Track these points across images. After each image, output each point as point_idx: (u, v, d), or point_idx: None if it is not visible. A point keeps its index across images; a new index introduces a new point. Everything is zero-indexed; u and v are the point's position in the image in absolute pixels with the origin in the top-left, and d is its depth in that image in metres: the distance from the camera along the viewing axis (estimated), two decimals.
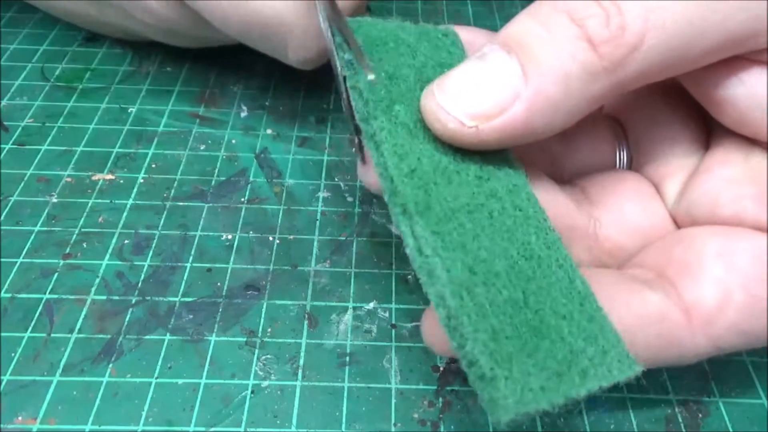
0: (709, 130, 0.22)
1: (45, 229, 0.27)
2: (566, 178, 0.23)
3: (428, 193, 0.18)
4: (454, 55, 0.21)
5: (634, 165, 0.23)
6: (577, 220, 0.21)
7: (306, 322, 0.24)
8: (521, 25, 0.18)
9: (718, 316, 0.18)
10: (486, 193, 0.18)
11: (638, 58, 0.17)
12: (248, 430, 0.21)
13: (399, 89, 0.19)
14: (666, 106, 0.23)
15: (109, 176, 0.29)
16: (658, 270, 0.20)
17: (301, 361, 0.23)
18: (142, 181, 0.29)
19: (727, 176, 0.20)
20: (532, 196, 0.19)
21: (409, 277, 0.26)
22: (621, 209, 0.22)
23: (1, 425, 0.20)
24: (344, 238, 0.27)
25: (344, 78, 0.19)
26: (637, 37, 0.17)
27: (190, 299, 0.24)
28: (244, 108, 0.33)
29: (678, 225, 0.22)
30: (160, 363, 0.22)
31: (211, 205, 0.28)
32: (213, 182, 0.29)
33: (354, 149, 0.20)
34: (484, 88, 0.17)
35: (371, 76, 0.19)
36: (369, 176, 0.20)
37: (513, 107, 0.17)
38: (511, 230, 0.18)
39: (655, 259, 0.20)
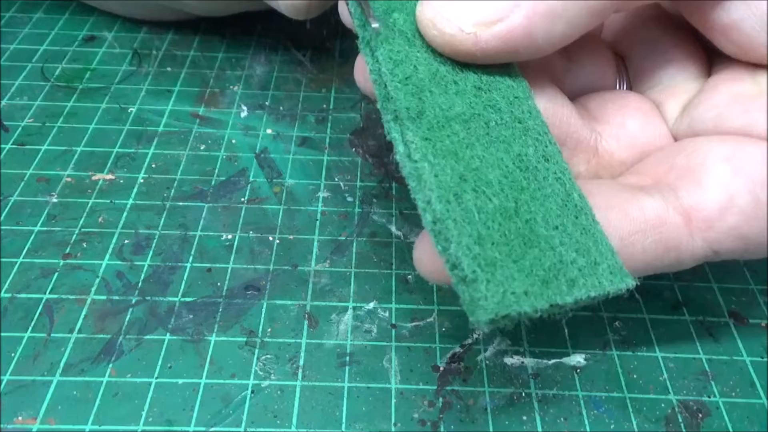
0: (711, 61, 0.22)
1: (45, 229, 0.27)
2: (568, 98, 0.23)
3: (422, 100, 0.18)
4: None
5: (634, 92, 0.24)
6: (579, 131, 0.21)
7: (306, 322, 0.24)
8: None
9: (719, 219, 0.18)
10: (484, 103, 0.18)
11: None
12: (248, 430, 0.21)
13: None
14: (667, 37, 0.23)
15: (109, 176, 0.29)
16: (656, 177, 0.20)
17: (301, 361, 0.23)
18: (142, 181, 0.29)
19: (734, 92, 0.20)
20: (534, 109, 0.19)
21: (409, 277, 0.26)
22: (623, 123, 0.22)
23: (1, 425, 0.20)
24: (344, 238, 0.27)
25: None
26: None
27: (190, 299, 0.24)
28: (244, 108, 0.33)
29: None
30: (160, 363, 0.22)
31: (211, 205, 0.28)
32: (213, 182, 0.29)
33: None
34: None
35: None
36: (362, 77, 0.20)
37: (513, 14, 0.18)
38: (508, 141, 0.18)
39: (654, 167, 0.20)
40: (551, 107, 0.20)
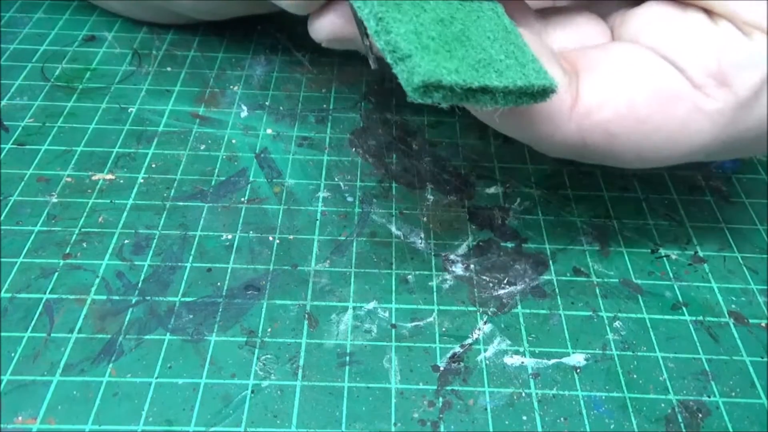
0: None
1: (45, 229, 0.27)
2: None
3: None
4: None
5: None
6: (529, 17, 0.24)
7: (306, 322, 0.24)
8: None
9: (595, 111, 0.21)
10: None
11: None
12: (248, 430, 0.21)
13: None
14: None
15: (109, 176, 0.29)
16: (573, 62, 0.22)
17: (301, 361, 0.23)
18: (142, 181, 0.29)
19: (658, 12, 0.22)
20: None
21: (409, 277, 0.26)
22: (573, 21, 0.24)
23: (1, 425, 0.20)
24: (344, 238, 0.27)
25: None
26: None
27: (190, 299, 0.24)
28: (244, 108, 0.33)
29: None
30: (160, 363, 0.22)
31: (211, 205, 0.28)
32: (213, 182, 0.29)
33: None
34: None
35: None
36: None
37: None
38: None
39: (576, 57, 0.22)
40: None
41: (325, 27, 0.23)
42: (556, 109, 0.21)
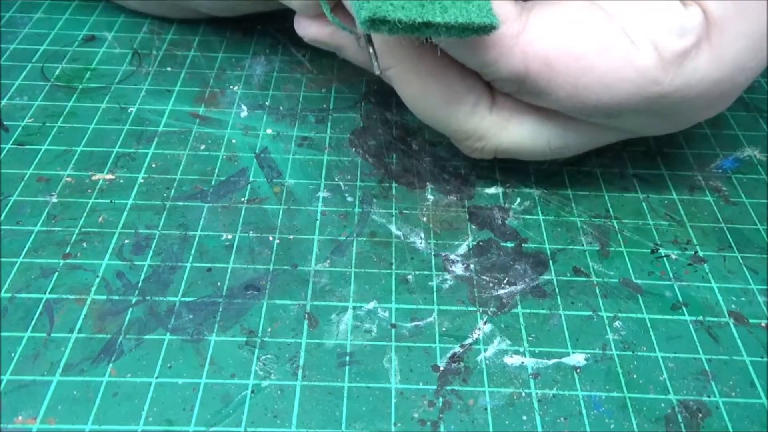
0: None
1: (45, 229, 0.27)
2: None
3: None
4: None
5: None
6: None
7: (306, 322, 0.24)
8: None
9: (540, 40, 0.23)
10: None
11: None
12: (248, 430, 0.21)
13: None
14: None
15: (109, 176, 0.29)
16: (530, 6, 0.24)
17: (301, 361, 0.23)
18: (142, 181, 0.29)
19: None
20: None
21: (409, 276, 0.26)
22: None
23: (1, 425, 0.20)
24: (344, 238, 0.27)
25: None
26: None
27: (190, 299, 0.24)
28: (244, 108, 0.33)
29: None
30: (160, 363, 0.22)
31: (211, 205, 0.28)
32: (213, 182, 0.29)
33: None
34: None
35: None
36: None
37: None
38: None
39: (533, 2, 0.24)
40: None
41: (310, 30, 0.26)
42: (503, 35, 0.22)
